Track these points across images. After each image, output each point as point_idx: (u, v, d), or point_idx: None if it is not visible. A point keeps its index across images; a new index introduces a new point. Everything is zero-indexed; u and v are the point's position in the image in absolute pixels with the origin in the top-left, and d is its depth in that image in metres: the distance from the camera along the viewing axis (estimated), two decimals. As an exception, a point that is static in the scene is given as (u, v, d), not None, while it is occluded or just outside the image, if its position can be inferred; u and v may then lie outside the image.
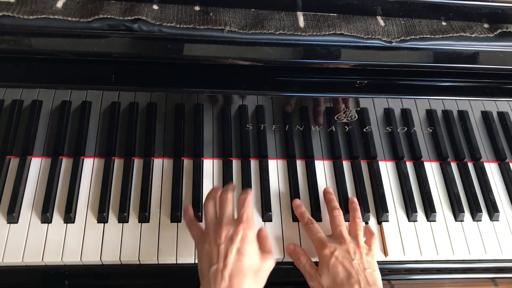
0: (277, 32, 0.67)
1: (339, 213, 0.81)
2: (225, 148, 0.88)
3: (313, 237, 0.79)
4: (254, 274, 0.69)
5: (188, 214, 0.79)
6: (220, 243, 0.69)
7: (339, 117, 0.82)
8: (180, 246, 0.80)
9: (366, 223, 0.87)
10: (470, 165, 0.97)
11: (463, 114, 0.86)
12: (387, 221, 0.88)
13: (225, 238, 0.69)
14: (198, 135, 0.85)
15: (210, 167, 0.90)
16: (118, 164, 0.88)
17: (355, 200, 0.87)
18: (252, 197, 0.77)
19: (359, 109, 0.81)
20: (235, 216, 0.74)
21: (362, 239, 0.78)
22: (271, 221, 0.85)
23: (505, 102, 0.83)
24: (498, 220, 0.91)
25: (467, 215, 0.91)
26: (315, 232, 0.79)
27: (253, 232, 0.72)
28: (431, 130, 0.88)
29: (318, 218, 0.86)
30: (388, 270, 0.86)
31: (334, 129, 0.85)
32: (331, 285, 0.72)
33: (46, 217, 0.80)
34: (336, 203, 0.84)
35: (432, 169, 0.96)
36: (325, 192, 0.87)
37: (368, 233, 0.83)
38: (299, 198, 0.87)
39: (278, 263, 0.82)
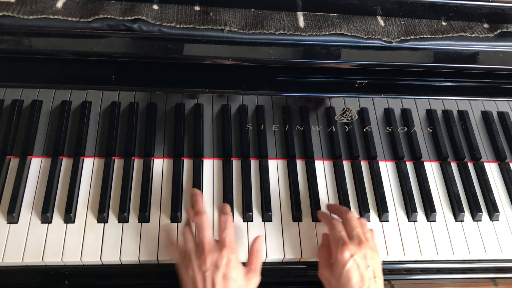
0: (277, 32, 0.67)
1: (353, 215, 0.79)
2: (225, 148, 0.88)
3: (336, 234, 0.76)
4: None
5: (166, 236, 0.78)
6: (206, 270, 0.69)
7: (339, 117, 0.82)
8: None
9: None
10: (470, 165, 0.97)
11: (463, 114, 0.86)
12: (387, 221, 0.88)
13: (210, 264, 0.69)
14: (198, 135, 0.85)
15: (210, 167, 0.90)
16: (118, 164, 0.88)
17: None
18: (232, 217, 0.77)
19: (359, 109, 0.81)
20: (215, 237, 0.74)
21: (371, 241, 0.76)
22: (271, 221, 0.85)
23: (505, 102, 0.83)
24: (498, 220, 0.91)
25: (467, 215, 0.91)
26: (339, 229, 0.77)
27: (236, 255, 0.72)
28: (431, 130, 0.88)
29: (318, 219, 0.86)
30: (388, 270, 0.86)
31: (334, 129, 0.85)
32: (340, 286, 0.71)
33: (46, 217, 0.80)
34: (345, 208, 0.82)
35: (432, 169, 0.96)
36: (328, 205, 0.86)
37: (371, 233, 0.81)
38: (299, 198, 0.87)
39: (278, 263, 0.83)
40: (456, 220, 0.90)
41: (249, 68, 0.71)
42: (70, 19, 0.63)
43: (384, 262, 0.85)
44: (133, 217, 0.83)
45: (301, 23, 0.69)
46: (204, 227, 0.73)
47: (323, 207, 0.87)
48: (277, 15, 0.70)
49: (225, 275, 0.68)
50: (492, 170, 0.98)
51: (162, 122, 0.82)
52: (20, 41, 0.64)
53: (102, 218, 0.81)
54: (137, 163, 0.88)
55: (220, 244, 0.72)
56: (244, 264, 0.74)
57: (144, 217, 0.82)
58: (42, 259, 0.77)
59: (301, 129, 0.85)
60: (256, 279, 0.73)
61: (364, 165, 0.94)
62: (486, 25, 0.74)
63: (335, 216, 0.84)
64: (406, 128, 0.87)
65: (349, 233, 0.77)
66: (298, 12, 0.71)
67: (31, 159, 0.86)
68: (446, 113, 0.85)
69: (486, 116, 0.87)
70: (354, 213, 0.80)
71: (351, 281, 0.71)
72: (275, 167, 0.91)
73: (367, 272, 0.71)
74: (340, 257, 0.73)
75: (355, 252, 0.73)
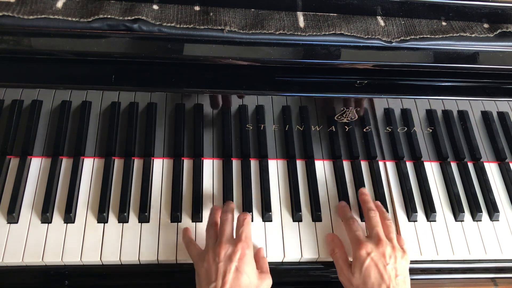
0: (277, 32, 0.67)
1: (375, 214, 0.80)
2: (225, 148, 0.88)
3: (351, 234, 0.78)
4: None
5: (187, 235, 0.80)
6: (219, 261, 0.70)
7: (339, 117, 0.82)
8: (180, 246, 0.80)
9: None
10: (470, 165, 0.97)
11: (463, 114, 0.86)
12: (387, 221, 0.88)
13: (224, 256, 0.70)
14: (198, 135, 0.85)
15: (210, 167, 0.90)
16: (118, 164, 0.88)
17: (379, 203, 0.86)
18: (250, 217, 0.79)
19: (359, 109, 0.81)
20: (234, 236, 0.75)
21: (395, 241, 0.77)
22: (271, 221, 0.85)
23: (505, 102, 0.83)
24: (498, 220, 0.91)
25: (467, 215, 0.91)
26: (354, 229, 0.78)
27: (251, 251, 0.73)
28: (431, 130, 0.88)
29: (318, 219, 0.86)
30: (388, 270, 0.85)
31: (334, 129, 0.85)
32: (361, 286, 0.72)
33: (46, 217, 0.80)
34: (372, 204, 0.83)
35: (432, 169, 0.96)
36: (361, 193, 0.87)
37: (398, 235, 0.81)
38: (299, 198, 0.87)
39: (278, 263, 0.83)
40: (456, 220, 0.90)
41: (249, 68, 0.71)
42: (70, 19, 0.63)
43: (384, 262, 0.85)
44: (133, 217, 0.83)
45: (301, 23, 0.69)
46: (227, 223, 0.76)
47: (321, 203, 0.87)
48: (277, 15, 0.70)
49: (237, 268, 0.69)
50: (492, 170, 0.98)
51: (162, 122, 0.82)
52: (20, 41, 0.64)
53: (102, 218, 0.81)
54: (137, 163, 0.88)
55: (236, 238, 0.73)
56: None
57: (144, 217, 0.82)
58: (42, 259, 0.77)
59: (301, 129, 0.85)
60: (269, 281, 0.74)
61: (364, 165, 0.94)
62: (486, 25, 0.74)
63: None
64: (406, 128, 0.87)
65: (369, 232, 0.78)
66: (298, 12, 0.71)
67: (31, 159, 0.86)
68: (446, 113, 0.85)
69: (486, 116, 0.87)
70: (376, 212, 0.80)
71: (370, 279, 0.71)
72: (275, 167, 0.91)
73: (387, 271, 0.71)
74: (358, 255, 0.74)
75: (372, 250, 0.73)
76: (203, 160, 0.90)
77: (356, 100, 0.78)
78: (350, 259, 0.77)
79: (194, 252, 0.76)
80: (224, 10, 0.69)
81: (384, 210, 0.84)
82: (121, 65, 0.69)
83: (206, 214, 0.84)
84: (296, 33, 0.68)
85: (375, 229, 0.77)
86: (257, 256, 0.78)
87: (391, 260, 0.73)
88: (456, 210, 0.90)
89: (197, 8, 0.69)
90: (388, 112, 0.83)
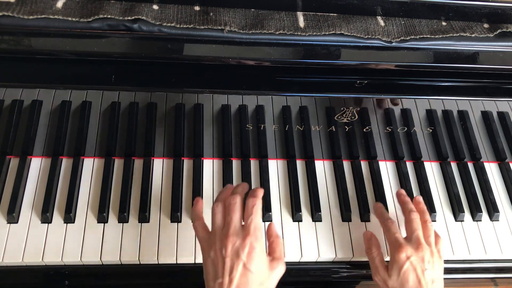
0: (277, 32, 0.67)
1: (416, 216, 0.78)
2: (225, 148, 0.88)
3: (390, 235, 0.77)
4: (260, 286, 0.66)
5: (197, 209, 0.75)
6: (226, 255, 0.65)
7: (339, 117, 0.82)
8: (180, 246, 0.80)
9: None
10: (470, 165, 0.97)
11: (463, 114, 0.86)
12: (387, 221, 0.88)
13: (231, 250, 0.65)
14: (198, 135, 0.85)
15: (210, 167, 0.90)
16: (118, 164, 0.88)
17: (422, 200, 0.84)
18: (261, 202, 0.72)
19: (359, 109, 0.81)
20: (243, 222, 0.70)
21: (434, 246, 0.76)
22: (271, 221, 0.85)
23: (505, 102, 0.83)
24: (498, 220, 0.91)
25: (467, 215, 0.91)
26: (394, 231, 0.77)
27: (261, 243, 0.68)
28: (431, 130, 0.88)
29: (318, 219, 0.86)
30: (388, 270, 0.85)
31: (334, 129, 0.85)
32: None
33: (46, 217, 0.80)
34: (412, 206, 0.81)
35: (432, 169, 0.96)
36: (399, 194, 0.85)
37: (436, 237, 0.80)
38: (299, 199, 0.87)
39: (278, 263, 0.83)
40: (456, 220, 0.90)
41: (249, 68, 0.71)
42: (70, 19, 0.63)
43: (384, 262, 0.85)
44: (133, 217, 0.83)
45: (301, 23, 0.69)
46: (235, 208, 0.69)
47: (321, 203, 0.87)
48: (277, 15, 0.70)
49: (245, 264, 0.65)
50: (492, 170, 0.98)
51: (162, 122, 0.82)
52: (20, 41, 0.64)
53: (102, 218, 0.81)
54: (137, 163, 0.88)
55: (244, 230, 0.68)
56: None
57: (144, 217, 0.82)
58: (42, 259, 0.77)
59: (301, 129, 0.85)
60: (281, 267, 0.69)
61: (364, 165, 0.94)
62: (486, 25, 0.74)
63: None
64: (406, 128, 0.87)
65: (409, 235, 0.77)
66: (298, 12, 0.71)
67: (31, 159, 0.86)
68: (446, 113, 0.85)
69: (486, 116, 0.87)
70: (417, 214, 0.79)
71: (408, 283, 0.71)
72: (275, 167, 0.91)
73: (425, 276, 0.71)
74: (397, 258, 0.73)
75: (411, 254, 0.73)
76: (203, 160, 0.90)
77: (356, 100, 0.78)
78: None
79: (201, 234, 0.71)
80: (224, 10, 0.69)
81: (425, 209, 0.82)
82: (121, 65, 0.69)
83: (206, 214, 0.84)
84: (296, 33, 0.68)
85: (415, 232, 0.76)
86: (270, 235, 0.73)
87: (429, 265, 0.72)
88: (456, 210, 0.90)
89: (197, 8, 0.69)
90: (388, 112, 0.83)
